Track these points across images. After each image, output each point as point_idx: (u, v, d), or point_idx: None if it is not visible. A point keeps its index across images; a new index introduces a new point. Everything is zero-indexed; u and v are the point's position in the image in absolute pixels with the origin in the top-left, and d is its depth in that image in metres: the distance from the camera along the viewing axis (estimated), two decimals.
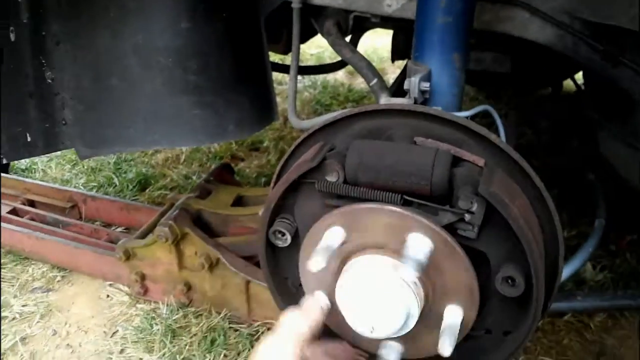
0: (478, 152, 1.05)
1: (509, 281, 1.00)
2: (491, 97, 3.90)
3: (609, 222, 1.68)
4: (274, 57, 2.90)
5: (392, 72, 4.39)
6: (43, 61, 1.47)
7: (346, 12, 1.71)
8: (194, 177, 2.96)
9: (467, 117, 1.24)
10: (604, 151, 1.69)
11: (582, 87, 2.42)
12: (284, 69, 2.48)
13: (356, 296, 1.03)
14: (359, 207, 1.02)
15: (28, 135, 1.48)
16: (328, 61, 4.17)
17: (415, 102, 1.24)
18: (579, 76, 2.64)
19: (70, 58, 1.51)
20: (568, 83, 2.84)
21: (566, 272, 1.47)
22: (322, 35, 1.77)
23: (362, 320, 1.03)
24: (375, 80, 1.52)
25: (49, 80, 1.50)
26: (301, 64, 4.55)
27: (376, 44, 4.68)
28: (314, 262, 0.99)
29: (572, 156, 2.56)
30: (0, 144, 1.41)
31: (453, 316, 1.01)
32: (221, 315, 2.03)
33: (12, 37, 1.36)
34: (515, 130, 1.88)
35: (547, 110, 3.28)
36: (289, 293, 1.26)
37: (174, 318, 2.05)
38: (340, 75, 4.27)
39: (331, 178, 1.07)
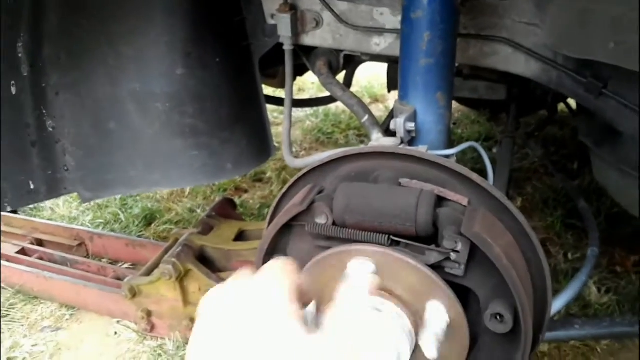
0: (462, 191, 1.07)
1: (498, 317, 1.02)
2: (492, 120, 3.93)
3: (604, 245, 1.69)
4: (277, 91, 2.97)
5: (392, 98, 4.43)
6: (44, 111, 1.53)
7: (336, 51, 1.77)
8: (199, 211, 3.00)
9: (453, 155, 1.27)
10: (597, 176, 1.71)
11: (575, 112, 2.45)
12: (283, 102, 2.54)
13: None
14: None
15: (31, 182, 1.53)
16: None
17: (402, 142, 1.28)
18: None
19: (70, 107, 1.57)
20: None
21: (560, 303, 1.48)
22: (314, 73, 1.82)
23: None
24: (366, 117, 1.56)
25: (50, 129, 1.56)
26: (302, 94, 4.61)
27: (377, 70, 4.74)
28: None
29: (571, 180, 2.58)
30: (5, 192, 1.46)
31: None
32: None
33: (13, 90, 1.42)
34: (510, 159, 1.90)
35: (543, 135, 3.30)
36: None
37: (180, 354, 2.07)
38: (341, 103, 4.32)
39: (320, 220, 1.10)
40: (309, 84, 4.75)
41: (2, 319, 2.31)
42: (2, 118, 1.43)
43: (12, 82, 1.42)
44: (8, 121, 1.44)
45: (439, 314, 1.00)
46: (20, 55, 1.41)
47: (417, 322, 1.02)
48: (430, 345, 0.96)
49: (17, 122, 1.46)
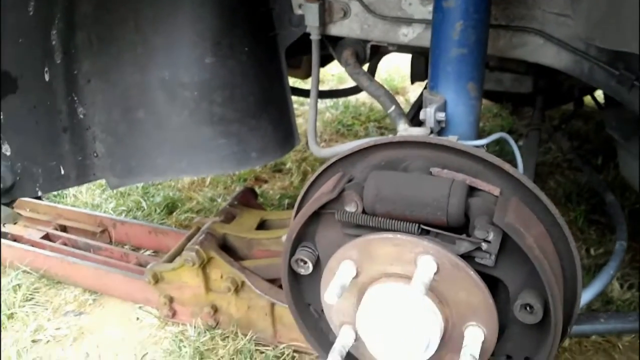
0: (494, 181, 1.07)
1: (527, 308, 1.02)
2: (514, 113, 3.90)
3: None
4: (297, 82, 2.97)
5: (413, 91, 4.41)
6: (75, 98, 1.55)
7: (363, 41, 1.76)
8: (219, 200, 3.02)
9: (483, 145, 1.27)
10: (623, 170, 1.69)
11: (602, 105, 2.42)
12: (306, 93, 2.54)
13: (377, 325, 1.05)
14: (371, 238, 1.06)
15: (62, 168, 1.56)
16: (349, 81, 4.20)
17: (432, 132, 1.27)
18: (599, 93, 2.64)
19: (101, 94, 1.59)
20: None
21: (587, 296, 1.47)
22: (340, 63, 1.82)
23: (386, 348, 1.06)
24: (392, 108, 1.56)
25: (81, 116, 1.58)
26: (322, 86, 4.61)
27: (398, 62, 4.71)
28: (329, 296, 1.02)
29: (595, 174, 2.55)
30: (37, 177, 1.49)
31: (473, 337, 1.04)
32: (247, 338, 2.07)
33: (47, 77, 1.45)
34: (536, 151, 1.89)
35: (568, 129, 3.27)
36: (312, 318, 1.30)
37: (201, 340, 2.09)
38: (361, 95, 4.31)
39: (350, 208, 1.11)
40: (329, 76, 4.75)
41: (27, 303, 2.36)
42: (34, 104, 1.45)
43: (46, 69, 1.44)
44: (41, 107, 1.46)
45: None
46: (54, 42, 1.43)
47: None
48: None
49: (50, 109, 1.49)
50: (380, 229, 1.07)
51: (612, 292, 2.25)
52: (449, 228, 1.04)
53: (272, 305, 1.99)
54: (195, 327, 2.15)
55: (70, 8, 1.44)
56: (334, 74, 4.73)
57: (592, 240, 2.58)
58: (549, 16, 1.45)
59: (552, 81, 2.25)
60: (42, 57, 1.44)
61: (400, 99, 4.48)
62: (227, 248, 2.14)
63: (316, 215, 1.17)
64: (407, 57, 2.72)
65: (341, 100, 4.20)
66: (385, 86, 4.43)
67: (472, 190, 1.06)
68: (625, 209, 2.65)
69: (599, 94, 2.66)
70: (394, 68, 4.67)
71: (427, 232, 1.05)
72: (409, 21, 1.61)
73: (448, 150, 1.09)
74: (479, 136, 1.41)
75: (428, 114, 1.25)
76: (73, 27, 1.47)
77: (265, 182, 3.28)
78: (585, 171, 2.61)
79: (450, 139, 1.21)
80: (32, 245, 2.53)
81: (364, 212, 1.10)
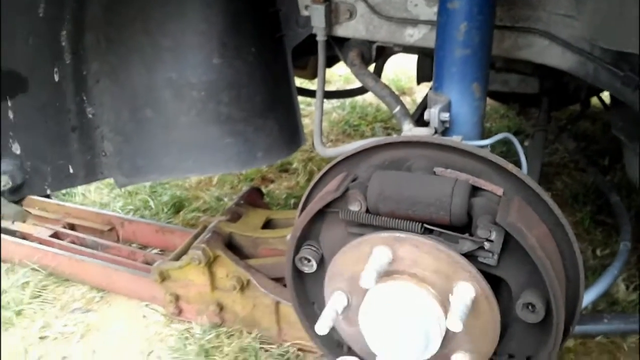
0: (497, 181, 1.08)
1: (529, 307, 1.02)
2: (521, 114, 3.89)
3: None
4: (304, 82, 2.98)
5: (419, 91, 4.41)
6: (84, 98, 1.57)
7: (369, 42, 1.77)
8: (226, 199, 3.04)
9: (487, 146, 1.28)
10: (629, 170, 1.69)
11: (609, 106, 2.41)
12: (312, 93, 2.55)
13: (380, 322, 1.07)
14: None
15: (70, 167, 1.58)
16: (356, 82, 4.19)
17: (436, 132, 1.28)
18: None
19: (109, 94, 1.61)
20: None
21: (590, 296, 1.47)
22: (346, 64, 1.83)
23: (387, 346, 1.07)
24: (398, 108, 1.57)
25: (90, 115, 1.60)
26: (329, 86, 4.62)
27: (405, 63, 4.72)
28: (365, 280, 1.02)
29: (600, 175, 2.54)
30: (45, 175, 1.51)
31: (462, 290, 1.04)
32: (252, 336, 2.08)
33: (56, 77, 1.47)
34: (541, 153, 1.89)
35: (575, 130, 3.26)
36: (316, 316, 1.31)
37: (207, 338, 2.11)
38: (368, 95, 4.30)
39: (354, 207, 1.12)
40: (336, 77, 4.75)
41: (34, 300, 2.38)
42: (44, 103, 1.47)
43: (55, 69, 1.46)
44: (50, 106, 1.49)
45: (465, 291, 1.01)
46: (63, 43, 1.45)
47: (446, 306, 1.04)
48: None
49: (59, 108, 1.51)
50: (384, 228, 1.08)
51: (618, 293, 2.24)
52: (452, 227, 1.05)
53: (277, 303, 2.00)
54: (200, 325, 2.16)
55: (80, 10, 1.46)
56: (341, 75, 4.73)
57: (598, 241, 2.57)
58: (554, 17, 1.46)
59: (558, 82, 2.25)
60: (51, 57, 1.46)
61: (406, 99, 4.48)
62: (233, 247, 2.16)
63: (320, 214, 1.18)
64: (413, 58, 2.73)
65: (348, 100, 4.20)
66: (392, 87, 4.42)
67: (475, 190, 1.06)
68: (632, 210, 2.64)
69: (606, 95, 2.65)
70: (401, 69, 4.67)
71: (431, 232, 1.06)
72: (415, 22, 1.62)
73: (451, 150, 1.10)
74: (484, 137, 1.41)
75: (432, 114, 1.26)
76: (82, 28, 1.49)
77: (272, 181, 3.29)
78: (590, 172, 2.60)
79: (454, 139, 1.22)
80: (41, 243, 2.56)
81: (367, 211, 1.11)
